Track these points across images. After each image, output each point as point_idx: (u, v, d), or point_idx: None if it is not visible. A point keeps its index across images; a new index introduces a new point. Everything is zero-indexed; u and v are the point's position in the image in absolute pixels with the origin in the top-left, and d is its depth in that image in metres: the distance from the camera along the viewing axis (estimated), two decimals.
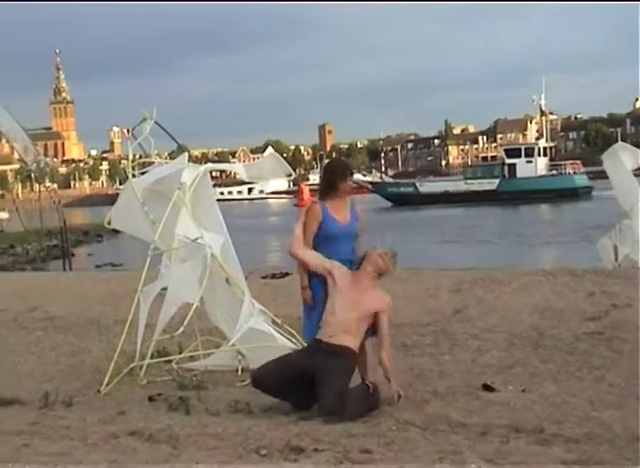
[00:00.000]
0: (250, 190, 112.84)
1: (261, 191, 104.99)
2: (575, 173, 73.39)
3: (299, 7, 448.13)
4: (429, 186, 77.73)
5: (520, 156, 72.07)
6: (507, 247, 33.77)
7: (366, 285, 6.70)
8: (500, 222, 49.40)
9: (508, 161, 72.80)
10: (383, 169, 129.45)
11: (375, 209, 63.35)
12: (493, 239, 37.90)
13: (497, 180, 71.50)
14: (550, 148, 76.54)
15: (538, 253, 31.82)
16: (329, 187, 6.92)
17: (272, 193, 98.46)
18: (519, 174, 71.18)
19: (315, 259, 6.80)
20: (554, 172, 72.83)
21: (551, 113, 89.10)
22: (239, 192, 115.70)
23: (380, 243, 7.30)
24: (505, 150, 76.05)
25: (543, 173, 72.26)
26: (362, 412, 6.29)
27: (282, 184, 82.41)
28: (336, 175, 6.93)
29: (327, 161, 7.15)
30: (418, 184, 78.35)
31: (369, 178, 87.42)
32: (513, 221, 50.26)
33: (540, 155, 72.53)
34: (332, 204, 6.88)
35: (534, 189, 67.83)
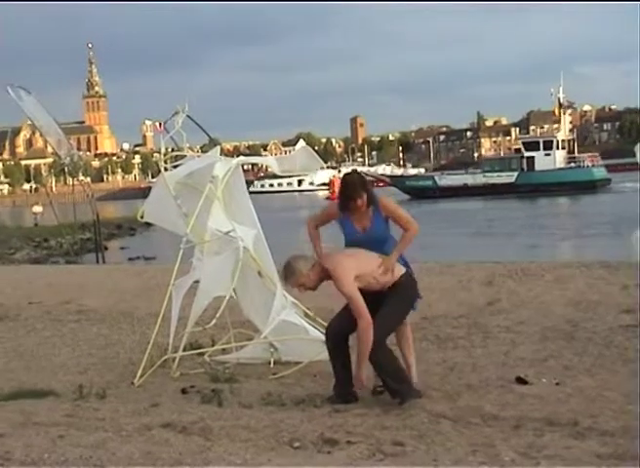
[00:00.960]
0: (300, 182, 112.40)
1: (312, 183, 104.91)
2: (593, 165, 73.17)
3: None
4: (448, 179, 77.38)
5: (538, 149, 71.93)
6: (535, 239, 33.51)
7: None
8: (525, 215, 49.11)
9: (527, 154, 72.58)
10: (401, 162, 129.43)
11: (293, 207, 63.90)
12: (520, 231, 37.64)
13: (515, 173, 71.45)
14: (569, 141, 76.30)
15: (567, 246, 31.58)
16: (346, 202, 6.75)
17: (322, 185, 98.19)
18: (537, 166, 71.07)
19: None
20: (572, 164, 72.60)
21: (569, 106, 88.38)
22: (289, 184, 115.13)
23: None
24: (524, 143, 75.94)
25: (562, 165, 71.99)
26: (390, 374, 6.47)
27: (330, 176, 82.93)
28: (348, 190, 6.76)
29: (344, 174, 6.97)
30: (436, 178, 78.25)
31: (387, 172, 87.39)
32: (537, 214, 50.01)
33: (558, 148, 72.27)
34: (351, 215, 6.76)
35: (552, 182, 67.72)
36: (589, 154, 77.98)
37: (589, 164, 72.73)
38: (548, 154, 71.45)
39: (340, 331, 6.67)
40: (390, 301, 6.50)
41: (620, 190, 66.12)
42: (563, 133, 78.72)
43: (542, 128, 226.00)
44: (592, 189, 65.69)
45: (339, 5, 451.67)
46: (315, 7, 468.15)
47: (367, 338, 6.30)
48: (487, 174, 74.06)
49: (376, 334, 6.36)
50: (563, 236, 35.20)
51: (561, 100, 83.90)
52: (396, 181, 78.36)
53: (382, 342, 6.47)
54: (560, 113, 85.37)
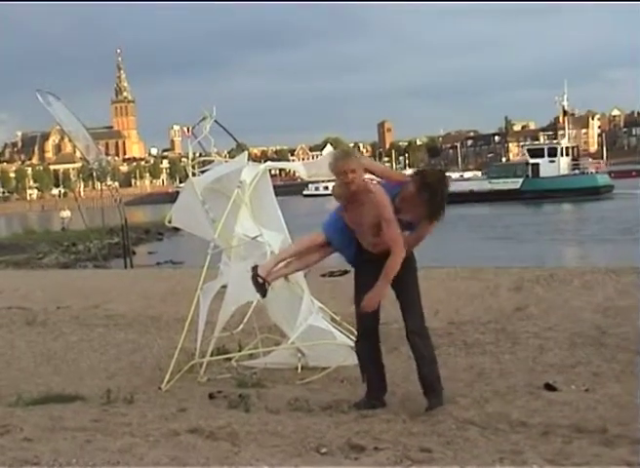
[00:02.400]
0: None
1: None
2: (597, 172, 74.47)
3: (357, 4, 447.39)
4: (454, 185, 77.54)
5: (543, 156, 73.28)
6: (556, 245, 33.40)
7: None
8: (540, 221, 49.00)
9: (532, 161, 73.90)
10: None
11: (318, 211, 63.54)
12: (540, 237, 37.46)
13: (520, 180, 72.35)
14: (572, 148, 77.47)
15: (586, 251, 31.31)
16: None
17: None
18: (542, 173, 72.31)
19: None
20: (576, 171, 73.72)
21: (573, 114, 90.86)
22: None
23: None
24: (529, 150, 77.35)
25: (566, 172, 73.21)
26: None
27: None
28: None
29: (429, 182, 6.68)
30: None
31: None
32: (549, 220, 49.95)
33: (562, 155, 73.55)
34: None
35: (556, 188, 68.55)
36: (593, 161, 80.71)
37: (593, 171, 74.31)
38: (553, 161, 72.79)
39: (373, 334, 6.66)
40: (409, 285, 6.55)
41: (626, 196, 66.48)
42: (567, 140, 80.00)
43: (570, 133, 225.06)
44: (596, 195, 66.56)
45: (366, 10, 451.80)
46: (343, 12, 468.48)
47: (397, 263, 6.28)
48: (492, 180, 74.98)
49: (417, 326, 6.48)
50: (584, 241, 34.99)
51: (565, 108, 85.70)
52: None
53: (428, 333, 6.59)
54: (564, 121, 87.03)
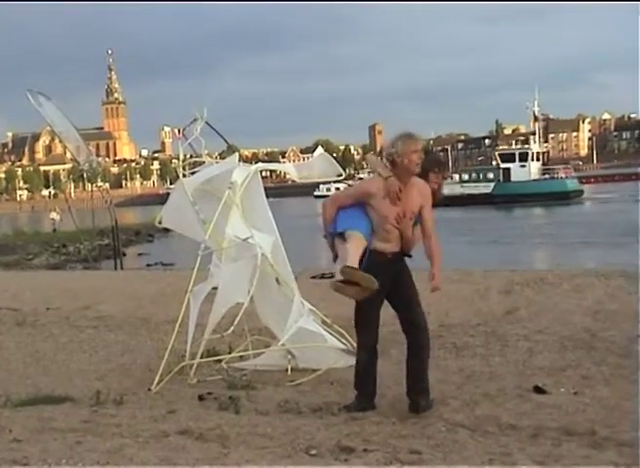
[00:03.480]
0: None
1: None
2: (566, 177, 76.33)
3: (347, 7, 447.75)
4: None
5: (514, 161, 75.04)
6: (541, 248, 33.57)
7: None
8: (520, 224, 49.27)
9: (503, 165, 75.54)
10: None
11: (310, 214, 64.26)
12: (523, 240, 37.60)
13: (492, 184, 73.26)
14: (543, 153, 79.96)
15: (572, 254, 31.34)
16: None
17: None
18: (513, 177, 74.07)
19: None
20: (547, 176, 75.65)
21: (545, 119, 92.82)
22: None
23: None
24: (500, 155, 79.11)
25: (536, 177, 75.15)
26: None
27: None
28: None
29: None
30: None
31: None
32: (530, 223, 50.40)
33: (533, 160, 75.49)
34: None
35: (527, 193, 70.05)
36: (563, 166, 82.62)
37: (563, 175, 76.08)
38: (524, 166, 74.55)
39: (376, 343, 6.64)
40: (412, 281, 6.56)
41: (596, 200, 69.59)
42: (538, 145, 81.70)
43: (561, 136, 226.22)
44: (566, 200, 68.15)
45: (356, 12, 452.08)
46: (333, 14, 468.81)
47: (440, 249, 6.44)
48: (464, 184, 76.06)
49: (425, 320, 6.55)
50: (567, 244, 35.05)
51: (536, 114, 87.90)
52: None
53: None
54: (535, 126, 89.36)
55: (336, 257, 6.54)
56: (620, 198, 69.46)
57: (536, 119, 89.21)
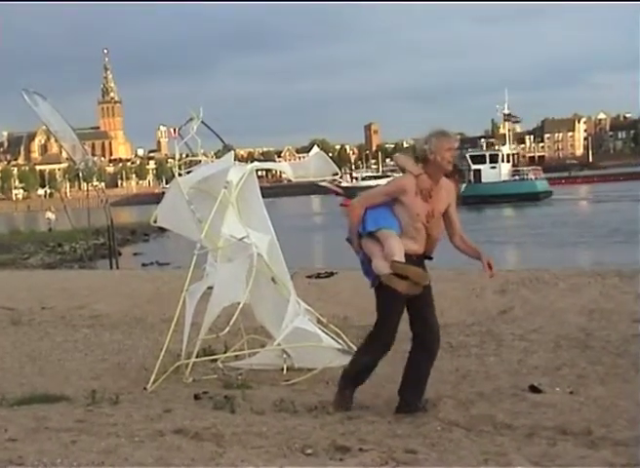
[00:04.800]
0: None
1: None
2: (536, 178, 77.76)
3: (343, 7, 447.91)
4: None
5: (485, 162, 76.10)
6: (528, 247, 33.67)
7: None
8: (502, 225, 49.56)
9: (474, 167, 76.33)
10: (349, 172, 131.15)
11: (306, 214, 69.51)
12: (512, 240, 37.69)
13: (463, 185, 74.08)
14: (513, 155, 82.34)
15: (559, 254, 31.47)
16: None
17: None
18: (484, 179, 75.22)
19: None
20: (517, 177, 77.08)
21: (516, 121, 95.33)
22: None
23: None
24: (471, 156, 79.41)
25: (507, 178, 76.56)
26: None
27: None
28: None
29: None
30: None
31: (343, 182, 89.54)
32: (510, 224, 50.88)
33: (503, 161, 76.97)
34: None
35: (498, 193, 71.09)
36: (532, 167, 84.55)
37: (532, 177, 77.65)
38: (494, 167, 75.89)
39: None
40: (430, 288, 6.47)
41: (565, 201, 70.46)
42: (508, 147, 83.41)
43: (557, 135, 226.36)
44: (535, 201, 69.49)
45: (352, 12, 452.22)
46: (329, 15, 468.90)
47: None
48: None
49: (438, 328, 6.56)
50: (550, 243, 35.16)
51: (506, 116, 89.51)
52: (349, 192, 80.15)
53: None
54: (505, 127, 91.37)
55: (365, 258, 6.41)
56: (587, 198, 74.28)
57: (505, 121, 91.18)
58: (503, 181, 75.31)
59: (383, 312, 6.37)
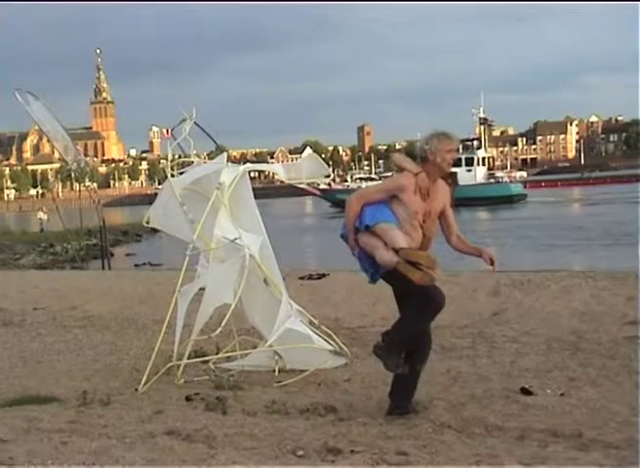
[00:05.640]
0: None
1: None
2: (511, 181, 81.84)
3: (333, 8, 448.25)
4: None
5: (461, 165, 76.49)
6: (516, 249, 33.79)
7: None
8: (486, 227, 49.71)
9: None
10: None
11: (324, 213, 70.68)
12: (498, 241, 37.77)
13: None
14: (488, 158, 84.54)
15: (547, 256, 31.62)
16: None
17: None
18: (460, 181, 75.18)
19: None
20: (492, 180, 79.43)
21: (490, 124, 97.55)
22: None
23: None
24: None
25: (482, 181, 78.23)
26: None
27: None
28: None
29: None
30: None
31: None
32: (493, 226, 50.85)
33: (479, 164, 78.67)
34: None
35: (473, 196, 71.67)
36: (507, 171, 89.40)
37: (507, 180, 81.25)
38: (470, 170, 77.29)
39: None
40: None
41: (539, 203, 72.43)
42: (483, 150, 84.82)
43: (549, 138, 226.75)
44: (510, 203, 71.23)
45: (343, 14, 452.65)
46: (321, 16, 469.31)
47: None
48: None
49: (430, 330, 6.59)
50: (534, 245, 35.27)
51: (481, 119, 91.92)
52: (326, 194, 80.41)
53: None
54: (481, 131, 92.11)
55: (362, 253, 6.34)
56: (561, 200, 75.89)
57: (481, 124, 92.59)
58: (479, 184, 76.62)
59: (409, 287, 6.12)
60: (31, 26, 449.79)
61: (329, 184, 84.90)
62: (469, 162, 77.90)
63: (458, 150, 6.60)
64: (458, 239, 6.53)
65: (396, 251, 6.03)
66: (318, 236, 47.01)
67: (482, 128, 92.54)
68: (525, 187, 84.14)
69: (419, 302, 6.20)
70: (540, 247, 34.00)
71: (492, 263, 6.36)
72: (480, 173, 78.24)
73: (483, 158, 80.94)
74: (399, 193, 6.26)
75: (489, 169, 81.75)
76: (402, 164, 6.49)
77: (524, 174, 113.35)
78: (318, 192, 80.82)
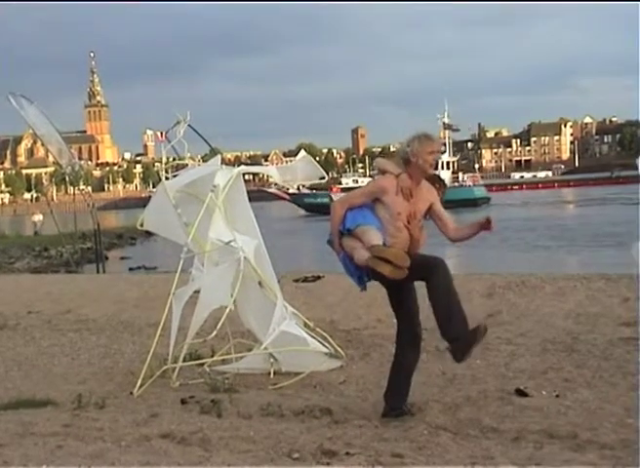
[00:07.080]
0: None
1: None
2: (474, 185, 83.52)
3: (328, 9, 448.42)
4: None
5: None
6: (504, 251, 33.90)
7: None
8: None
9: None
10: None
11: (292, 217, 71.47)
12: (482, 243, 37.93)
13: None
14: (453, 162, 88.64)
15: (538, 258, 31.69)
16: None
17: None
18: None
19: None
20: (456, 184, 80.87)
21: (455, 129, 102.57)
22: None
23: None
24: None
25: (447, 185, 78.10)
26: None
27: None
28: None
29: None
30: (333, 195, 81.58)
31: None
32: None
33: (443, 168, 79.78)
34: None
35: None
36: (470, 175, 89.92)
37: (471, 184, 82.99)
38: None
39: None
40: (415, 294, 6.57)
41: (503, 206, 75.10)
42: (447, 154, 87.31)
43: (543, 139, 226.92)
44: (473, 207, 71.92)
45: (339, 15, 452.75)
46: (315, 18, 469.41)
47: None
48: None
49: (421, 334, 6.64)
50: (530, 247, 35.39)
51: (445, 125, 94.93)
52: (295, 198, 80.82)
53: None
54: (445, 135, 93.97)
55: (346, 257, 6.37)
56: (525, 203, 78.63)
57: (445, 129, 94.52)
58: None
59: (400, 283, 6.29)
60: (25, 29, 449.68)
61: (298, 188, 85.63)
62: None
63: (441, 152, 6.66)
64: (455, 230, 6.54)
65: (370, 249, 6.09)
66: (313, 239, 46.99)
67: (446, 132, 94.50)
68: (490, 191, 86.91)
69: (434, 283, 6.32)
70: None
71: (489, 222, 6.33)
72: (444, 176, 78.65)
73: (447, 162, 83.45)
74: (381, 195, 6.31)
75: (453, 173, 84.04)
76: (384, 167, 6.55)
77: (549, 173, 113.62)
78: (287, 197, 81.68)
